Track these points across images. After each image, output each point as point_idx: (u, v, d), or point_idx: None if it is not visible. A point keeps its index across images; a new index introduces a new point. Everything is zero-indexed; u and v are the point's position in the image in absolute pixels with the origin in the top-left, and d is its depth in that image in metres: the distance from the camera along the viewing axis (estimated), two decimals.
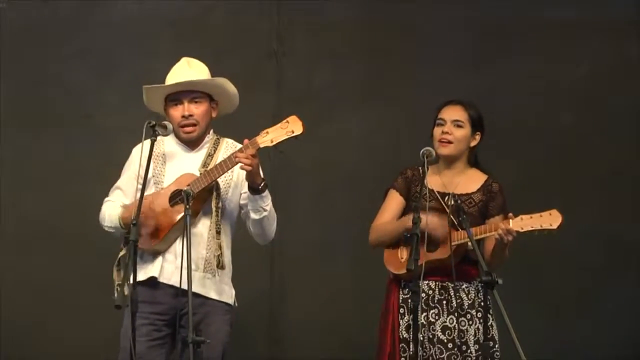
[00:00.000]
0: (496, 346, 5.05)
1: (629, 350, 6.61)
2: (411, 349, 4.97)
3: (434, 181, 5.13)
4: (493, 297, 4.64)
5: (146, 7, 6.74)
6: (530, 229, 4.99)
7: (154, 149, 4.88)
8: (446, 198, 5.13)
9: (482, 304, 5.01)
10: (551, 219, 5.00)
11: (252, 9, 6.76)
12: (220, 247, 4.98)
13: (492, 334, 5.02)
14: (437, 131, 5.19)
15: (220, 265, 4.98)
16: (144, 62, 6.46)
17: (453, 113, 5.20)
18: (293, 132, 4.88)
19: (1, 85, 6.72)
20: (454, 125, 5.17)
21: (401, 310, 5.08)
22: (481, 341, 4.98)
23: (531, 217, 5.00)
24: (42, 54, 6.74)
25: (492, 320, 5.00)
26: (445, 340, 5.05)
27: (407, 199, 5.22)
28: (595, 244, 6.65)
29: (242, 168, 4.85)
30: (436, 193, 5.13)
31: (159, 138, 4.89)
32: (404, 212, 5.20)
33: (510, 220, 4.99)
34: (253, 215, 4.98)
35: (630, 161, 6.74)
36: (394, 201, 5.23)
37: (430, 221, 4.92)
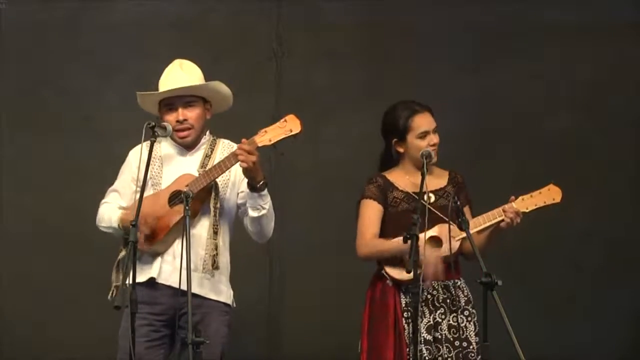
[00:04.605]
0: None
1: (628, 351, 6.61)
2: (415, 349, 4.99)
3: (405, 183, 5.16)
4: (492, 298, 4.65)
5: (146, 8, 6.74)
6: (535, 207, 5.05)
7: (152, 149, 4.88)
8: (425, 196, 5.12)
9: (482, 305, 5.01)
10: (552, 194, 5.09)
11: (252, 10, 6.76)
12: (216, 247, 4.98)
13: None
14: (423, 144, 5.14)
15: (215, 266, 4.97)
16: (143, 63, 6.45)
17: (431, 121, 5.18)
18: (291, 131, 4.88)
19: (1, 86, 6.73)
20: (435, 133, 5.19)
21: (405, 315, 5.07)
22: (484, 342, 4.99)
23: (532, 196, 5.07)
24: (42, 54, 6.74)
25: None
26: (452, 339, 5.08)
27: (384, 206, 5.20)
28: (595, 244, 6.64)
29: (241, 165, 4.84)
30: (412, 194, 5.13)
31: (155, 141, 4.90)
32: (385, 220, 5.18)
33: (513, 203, 5.03)
34: (251, 213, 4.98)
35: (629, 162, 6.74)
36: (374, 211, 5.17)
37: (428, 257, 4.95)
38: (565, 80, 6.77)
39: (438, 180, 5.24)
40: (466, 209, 5.20)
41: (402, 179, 5.15)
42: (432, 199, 5.15)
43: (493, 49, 6.78)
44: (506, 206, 5.05)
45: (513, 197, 5.06)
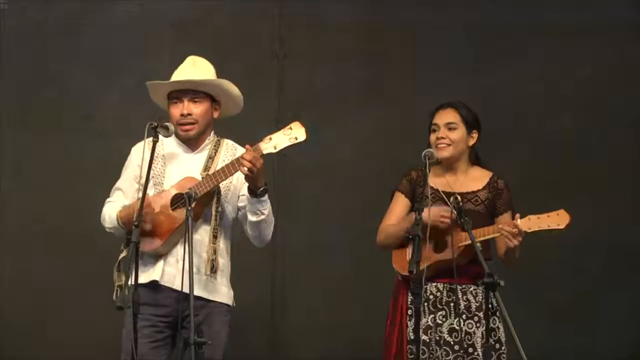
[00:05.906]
0: (503, 348, 5.06)
1: (630, 354, 6.61)
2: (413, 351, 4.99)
3: (439, 181, 5.17)
4: (495, 299, 4.65)
5: (147, 8, 6.74)
6: (538, 229, 5.01)
7: (154, 150, 4.88)
8: (452, 198, 5.13)
9: (484, 305, 5.01)
10: (559, 219, 5.03)
11: (254, 10, 6.76)
12: (215, 251, 4.99)
13: (499, 336, 5.06)
14: (432, 137, 5.21)
15: (214, 269, 4.98)
16: (144, 63, 6.46)
17: (445, 116, 5.22)
18: (296, 139, 4.88)
19: (1, 85, 6.72)
20: (447, 129, 5.19)
21: (409, 312, 5.08)
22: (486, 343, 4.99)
23: (539, 217, 5.03)
24: (42, 54, 6.74)
25: (499, 322, 5.03)
26: (452, 343, 5.06)
27: (412, 201, 5.24)
28: (596, 246, 6.64)
29: (244, 172, 4.83)
30: (441, 192, 5.14)
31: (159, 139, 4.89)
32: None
33: (518, 219, 5.01)
34: (251, 217, 4.98)
35: (630, 162, 6.74)
36: (400, 203, 5.25)
37: (432, 212, 4.93)
38: (565, 80, 6.78)
39: (472, 182, 5.25)
40: (505, 216, 5.18)
41: (437, 177, 5.17)
42: (454, 204, 5.10)
43: (493, 49, 6.78)
44: (507, 224, 5.03)
45: (518, 215, 5.04)
